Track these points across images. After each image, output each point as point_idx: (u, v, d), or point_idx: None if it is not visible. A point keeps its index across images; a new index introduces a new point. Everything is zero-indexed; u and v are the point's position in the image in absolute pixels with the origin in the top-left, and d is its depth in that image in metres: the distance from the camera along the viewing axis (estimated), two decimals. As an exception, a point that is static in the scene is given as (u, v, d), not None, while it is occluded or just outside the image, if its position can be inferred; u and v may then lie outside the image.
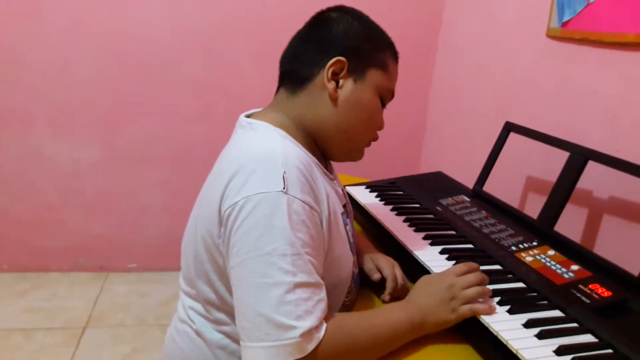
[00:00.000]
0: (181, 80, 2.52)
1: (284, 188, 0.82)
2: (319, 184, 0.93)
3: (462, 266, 1.01)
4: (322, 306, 0.81)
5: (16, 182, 2.54)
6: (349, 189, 1.57)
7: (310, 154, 0.97)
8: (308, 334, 0.77)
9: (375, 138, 1.07)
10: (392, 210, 1.41)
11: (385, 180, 1.68)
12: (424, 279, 1.01)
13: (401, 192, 1.57)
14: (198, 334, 1.00)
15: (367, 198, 1.51)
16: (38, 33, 2.34)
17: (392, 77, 1.03)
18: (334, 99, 0.97)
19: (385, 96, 1.03)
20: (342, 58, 0.96)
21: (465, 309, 0.94)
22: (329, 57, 0.96)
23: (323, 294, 0.83)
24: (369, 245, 1.27)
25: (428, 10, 2.64)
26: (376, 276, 1.12)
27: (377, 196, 1.52)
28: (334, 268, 0.95)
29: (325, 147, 1.03)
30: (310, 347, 0.77)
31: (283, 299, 0.77)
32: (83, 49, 2.40)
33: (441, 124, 2.68)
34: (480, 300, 0.97)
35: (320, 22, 1.01)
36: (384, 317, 0.91)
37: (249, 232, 0.80)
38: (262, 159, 0.86)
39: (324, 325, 0.81)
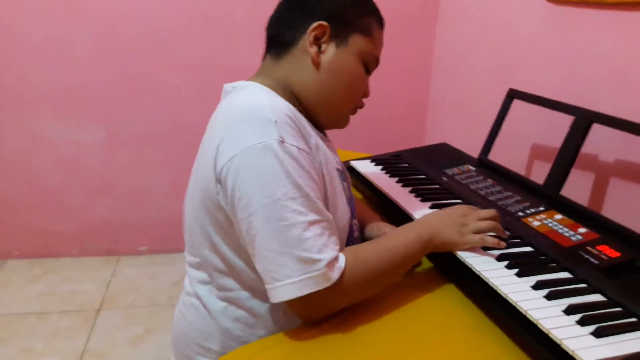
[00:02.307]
0: (180, 59, 2.51)
1: (278, 136, 0.84)
2: (309, 132, 0.95)
3: (476, 208, 1.07)
4: (335, 239, 0.87)
5: (18, 166, 2.54)
6: (354, 163, 1.57)
7: (298, 112, 0.99)
8: (331, 263, 0.82)
9: (361, 105, 1.09)
10: (397, 182, 1.42)
11: (390, 153, 1.68)
12: (436, 210, 1.07)
13: (406, 164, 1.57)
14: (203, 305, 1.01)
15: (372, 171, 1.51)
16: (35, 13, 2.32)
17: (376, 43, 1.04)
18: (316, 64, 0.99)
19: (369, 63, 1.04)
20: (324, 22, 0.97)
21: (476, 238, 0.99)
22: (312, 22, 0.97)
23: (334, 228, 0.88)
24: (375, 216, 1.28)
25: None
26: None
27: (382, 169, 1.52)
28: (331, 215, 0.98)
29: (311, 113, 1.04)
30: (335, 275, 0.83)
31: (302, 236, 0.82)
32: (81, 29, 2.38)
33: (444, 95, 2.66)
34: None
35: None
36: (396, 239, 0.96)
37: (255, 182, 0.83)
38: (250, 112, 0.88)
39: (342, 256, 0.86)
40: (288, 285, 0.82)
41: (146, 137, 2.62)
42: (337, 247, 0.86)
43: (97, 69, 2.46)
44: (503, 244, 1.01)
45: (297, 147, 0.86)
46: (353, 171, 1.55)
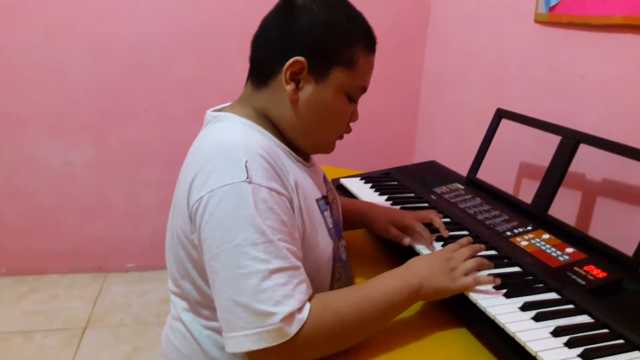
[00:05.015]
0: (172, 80, 2.52)
1: (247, 177, 0.82)
2: (288, 169, 0.92)
3: (454, 245, 1.04)
4: (303, 288, 0.82)
5: (11, 185, 2.53)
6: (343, 181, 1.57)
7: (279, 141, 0.96)
8: (289, 318, 0.78)
9: (347, 131, 1.04)
10: (387, 200, 1.42)
11: (380, 171, 1.69)
12: (420, 256, 1.02)
13: (396, 182, 1.57)
14: (189, 331, 1.00)
15: (361, 189, 1.51)
16: (27, 36, 2.34)
17: (360, 73, 0.97)
18: (293, 101, 0.94)
19: (353, 94, 0.98)
20: (301, 58, 0.91)
21: (469, 280, 0.95)
22: (290, 55, 0.91)
23: (303, 276, 0.84)
24: (374, 207, 1.28)
25: (416, 0, 2.64)
26: (406, 241, 1.14)
27: (371, 187, 1.52)
28: (312, 252, 0.94)
29: (292, 142, 1.00)
30: (292, 330, 0.78)
31: (259, 286, 0.78)
32: (73, 51, 2.40)
33: (433, 114, 2.68)
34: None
35: (286, 9, 0.95)
36: (376, 287, 0.90)
37: (217, 226, 0.81)
38: (222, 151, 0.86)
39: (307, 306, 0.81)
40: (241, 337, 0.78)
41: (137, 157, 2.62)
42: (304, 297, 0.81)
43: (90, 90, 2.47)
44: (497, 280, 0.97)
45: (267, 187, 0.83)
46: (342, 189, 1.55)
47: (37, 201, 2.58)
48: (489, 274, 0.99)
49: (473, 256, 1.01)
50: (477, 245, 1.05)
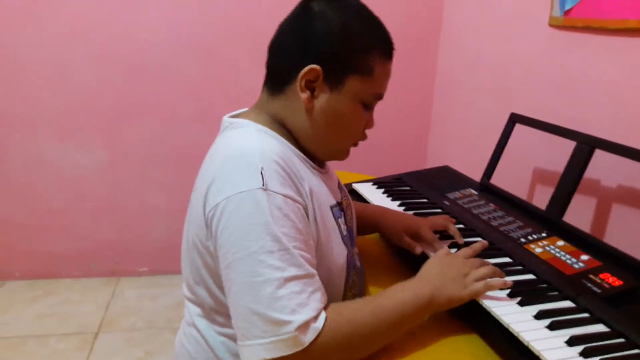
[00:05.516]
0: (181, 82, 2.53)
1: (263, 184, 0.82)
2: (303, 176, 0.91)
3: (467, 250, 1.04)
4: (318, 296, 0.82)
5: (22, 189, 2.55)
6: (356, 186, 1.57)
7: (294, 148, 0.96)
8: (304, 326, 0.77)
9: (362, 138, 1.03)
10: (399, 205, 1.41)
11: (392, 176, 1.68)
12: (433, 259, 1.01)
13: (408, 188, 1.56)
14: (203, 337, 1.00)
15: (374, 194, 1.50)
16: (38, 39, 2.36)
17: (377, 81, 0.95)
18: (308, 109, 0.94)
19: (369, 101, 0.97)
20: (316, 67, 0.90)
21: (480, 285, 0.94)
22: (305, 62, 0.90)
23: (317, 284, 0.83)
24: (387, 213, 1.27)
25: (429, 4, 2.63)
26: (418, 250, 1.14)
27: (384, 192, 1.52)
28: (326, 260, 0.94)
29: (306, 149, 1.00)
30: (308, 338, 0.78)
31: (275, 295, 0.77)
32: (83, 54, 2.41)
33: (446, 118, 2.67)
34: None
35: (303, 15, 0.94)
36: (390, 298, 0.89)
37: (233, 233, 0.81)
38: (238, 157, 0.86)
39: (323, 315, 0.81)
40: (257, 345, 0.78)
41: (148, 159, 2.63)
42: (320, 305, 0.81)
43: (99, 93, 2.49)
44: (509, 282, 0.97)
45: (282, 195, 0.83)
46: (355, 194, 1.55)
47: (48, 204, 2.60)
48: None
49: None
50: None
